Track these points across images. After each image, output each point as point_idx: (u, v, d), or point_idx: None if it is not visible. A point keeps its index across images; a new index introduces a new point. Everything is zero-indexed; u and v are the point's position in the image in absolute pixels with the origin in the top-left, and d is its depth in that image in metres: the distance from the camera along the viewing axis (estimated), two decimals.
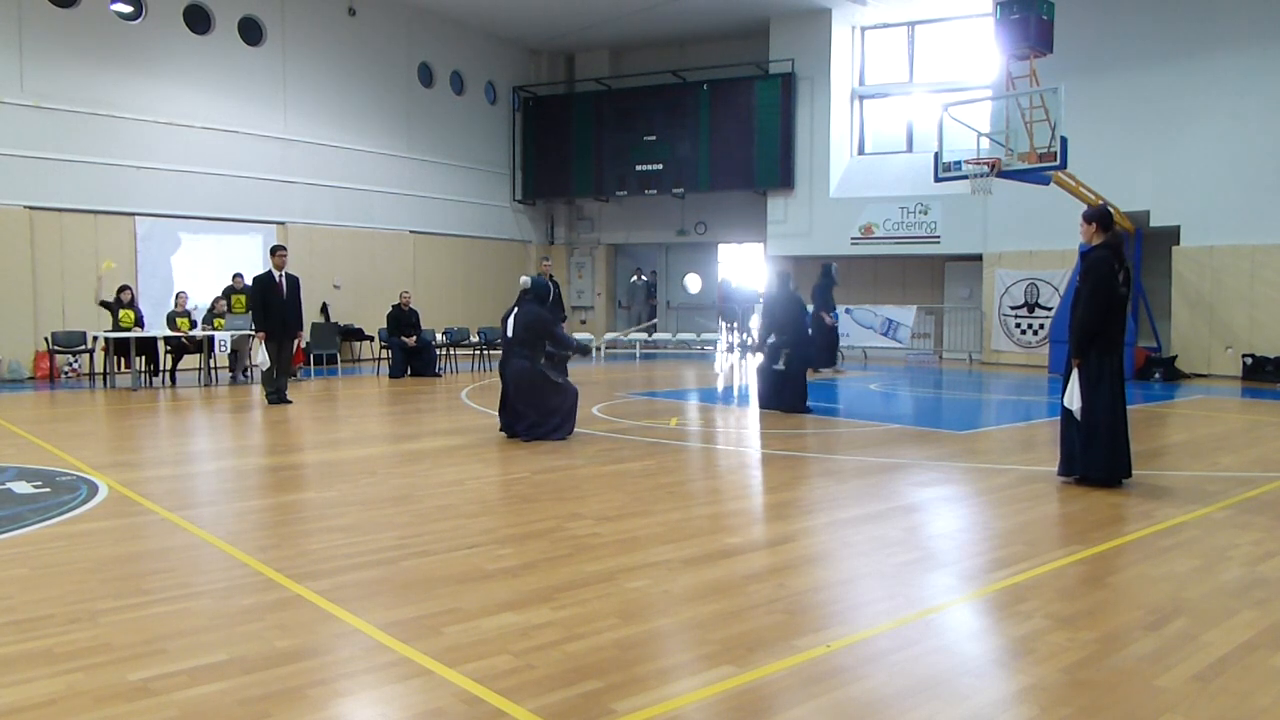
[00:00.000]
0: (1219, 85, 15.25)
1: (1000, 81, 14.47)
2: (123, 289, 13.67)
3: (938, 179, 14.40)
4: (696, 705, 2.94)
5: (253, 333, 12.06)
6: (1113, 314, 6.24)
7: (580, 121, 21.96)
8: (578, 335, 18.42)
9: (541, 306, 8.68)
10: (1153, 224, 15.74)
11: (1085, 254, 6.42)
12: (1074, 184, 13.86)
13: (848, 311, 18.84)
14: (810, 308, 13.73)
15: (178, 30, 15.77)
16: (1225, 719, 2.88)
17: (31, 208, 14.08)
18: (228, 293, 14.71)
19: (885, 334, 18.96)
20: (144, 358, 13.63)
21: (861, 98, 20.72)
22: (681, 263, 23.48)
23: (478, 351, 17.18)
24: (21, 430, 8.88)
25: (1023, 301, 17.50)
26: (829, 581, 4.34)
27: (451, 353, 16.65)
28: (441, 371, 15.84)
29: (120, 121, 14.99)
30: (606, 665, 3.24)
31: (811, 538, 5.12)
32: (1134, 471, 6.47)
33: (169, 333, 13.66)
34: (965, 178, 13.84)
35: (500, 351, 8.92)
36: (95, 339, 13.85)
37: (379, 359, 17.24)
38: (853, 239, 19.66)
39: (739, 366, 17.79)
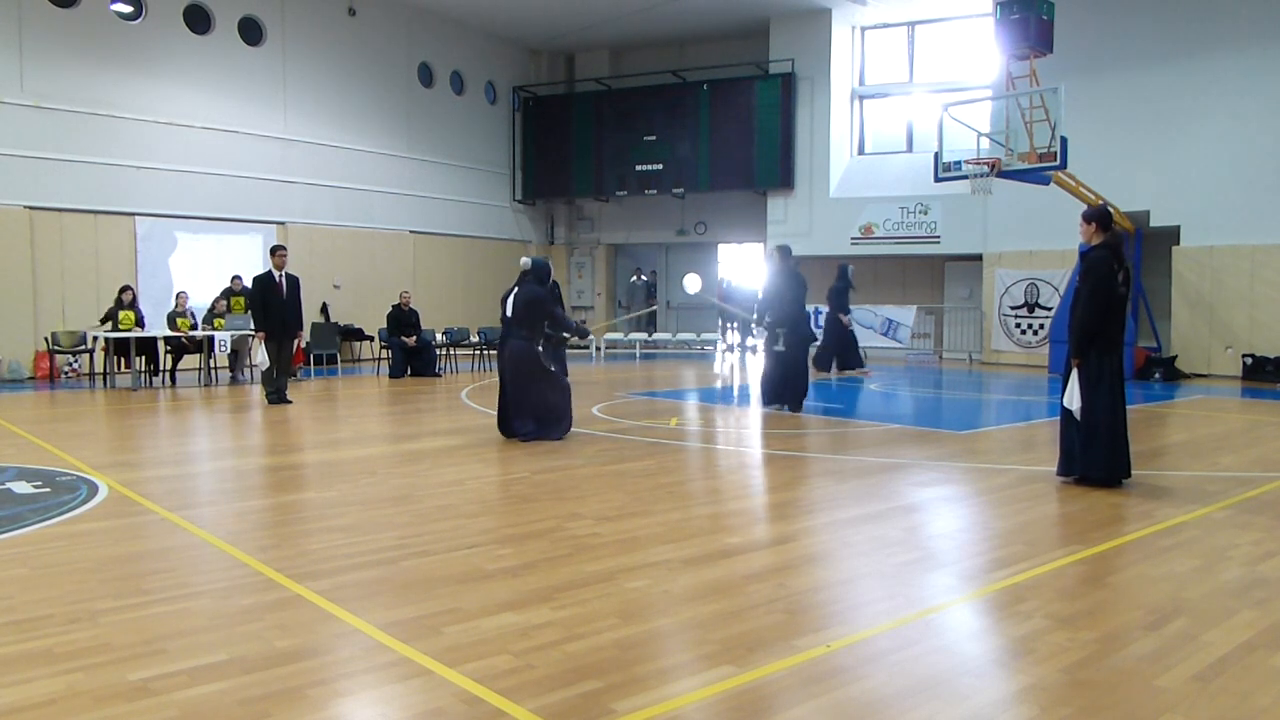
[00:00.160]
0: (1219, 85, 15.25)
1: (1000, 81, 14.47)
2: (123, 289, 13.67)
3: (938, 179, 14.40)
4: (696, 705, 2.94)
5: (253, 333, 12.06)
6: (1112, 314, 6.24)
7: (580, 121, 21.95)
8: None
9: (542, 287, 8.59)
10: (1153, 224, 15.73)
11: (1085, 254, 6.42)
12: (1074, 184, 13.86)
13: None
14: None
15: (178, 30, 15.77)
16: (1225, 719, 2.88)
17: (31, 208, 14.09)
18: (226, 295, 14.71)
19: (885, 334, 18.95)
20: (144, 358, 13.63)
21: (861, 98, 20.73)
22: (681, 263, 23.48)
23: (478, 351, 17.18)
24: (21, 430, 8.88)
25: (1023, 301, 17.50)
26: (829, 581, 4.34)
27: (451, 353, 16.65)
28: (441, 371, 15.84)
29: (120, 121, 14.99)
30: (606, 665, 3.24)
31: (811, 538, 5.12)
32: (1134, 471, 6.47)
33: (169, 333, 13.66)
34: (965, 178, 13.84)
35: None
36: (95, 339, 13.85)
37: (379, 359, 17.24)
38: (853, 239, 19.66)
39: (739, 366, 17.79)
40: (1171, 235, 15.80)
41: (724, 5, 19.44)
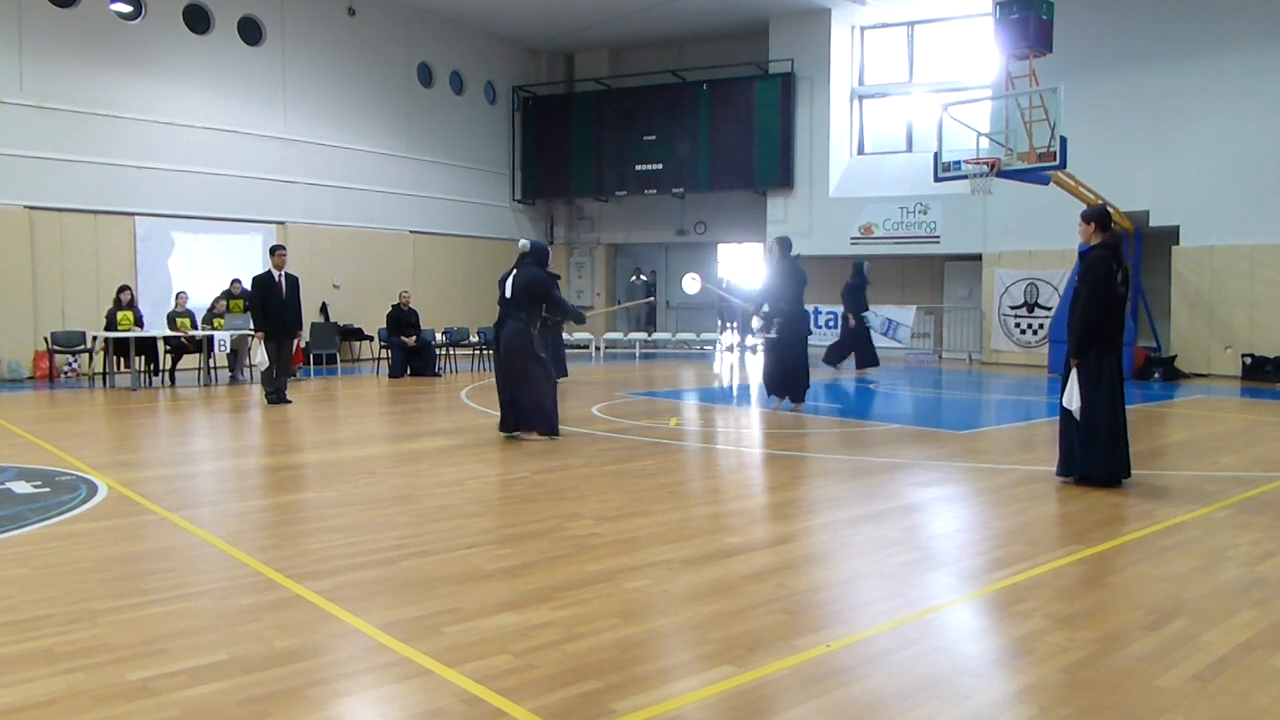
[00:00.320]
0: (1219, 85, 15.25)
1: (1000, 81, 14.47)
2: (122, 289, 13.67)
3: (937, 179, 14.40)
4: (696, 705, 2.94)
5: (252, 332, 12.07)
6: (1111, 314, 6.24)
7: (580, 121, 21.95)
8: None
9: (541, 270, 8.48)
10: (1152, 224, 15.73)
11: (1084, 254, 6.42)
12: (1073, 184, 13.86)
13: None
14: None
15: (177, 30, 15.77)
16: (1225, 719, 2.88)
17: (31, 208, 14.08)
18: (225, 297, 14.72)
19: (885, 334, 18.93)
20: (143, 357, 13.63)
21: (861, 97, 20.72)
22: (681, 262, 23.47)
23: (477, 351, 17.18)
24: (21, 430, 8.87)
25: (1022, 301, 17.51)
26: (829, 581, 4.34)
27: (451, 353, 16.65)
28: (441, 371, 15.84)
29: (120, 121, 14.99)
30: (606, 665, 3.24)
31: (811, 538, 5.12)
32: (1133, 471, 6.47)
33: (169, 333, 13.66)
34: (965, 177, 13.83)
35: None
36: (95, 339, 13.85)
37: (378, 359, 17.24)
38: (852, 239, 19.66)
39: (738, 366, 17.79)
40: (1171, 235, 15.80)
41: (724, 5, 19.44)
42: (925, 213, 19.00)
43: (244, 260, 15.95)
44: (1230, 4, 15.12)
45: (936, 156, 14.15)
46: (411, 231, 19.64)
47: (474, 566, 4.43)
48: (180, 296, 14.23)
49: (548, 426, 8.32)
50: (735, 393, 13.41)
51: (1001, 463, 7.42)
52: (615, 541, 4.90)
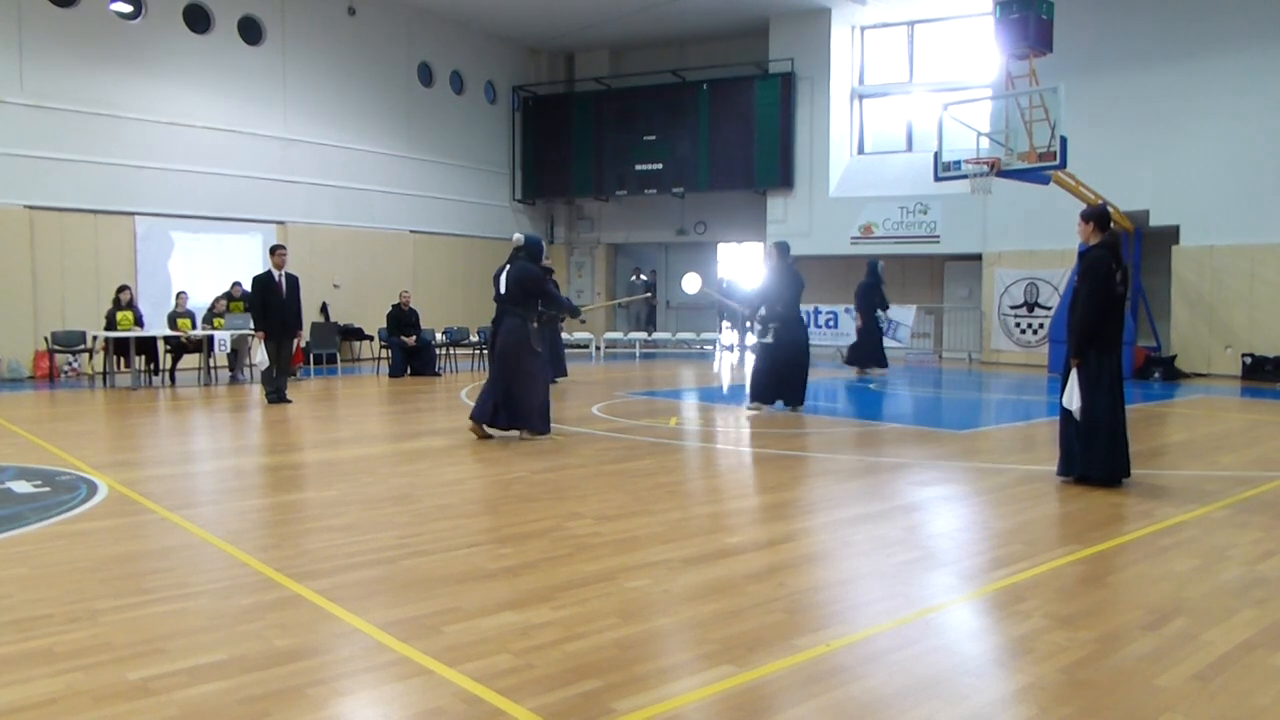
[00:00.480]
0: (1219, 85, 15.25)
1: (1000, 81, 14.47)
2: (122, 289, 13.67)
3: (937, 179, 14.40)
4: (696, 705, 2.94)
5: (252, 332, 12.07)
6: (1111, 314, 6.24)
7: (580, 121, 21.95)
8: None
9: (534, 264, 8.42)
10: (1152, 224, 15.74)
11: (1083, 254, 6.43)
12: (1074, 184, 13.86)
13: (847, 311, 18.80)
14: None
15: (177, 30, 15.77)
16: (1225, 718, 2.88)
17: (31, 208, 14.08)
18: (225, 298, 14.72)
19: (885, 333, 18.92)
20: (143, 357, 13.63)
21: (861, 97, 20.72)
22: (681, 262, 23.47)
23: (477, 351, 17.18)
24: (21, 430, 8.87)
25: (1022, 301, 17.51)
26: (829, 581, 4.34)
27: (451, 352, 16.65)
28: (441, 371, 15.85)
29: (120, 121, 14.99)
30: (606, 665, 3.24)
31: (811, 537, 5.12)
32: (1133, 471, 6.47)
33: (169, 332, 13.66)
34: (965, 177, 13.84)
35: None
36: (95, 339, 13.85)
37: (379, 359, 17.24)
38: (852, 239, 19.66)
39: (738, 366, 17.78)
40: (1171, 235, 15.80)
41: (724, 5, 19.44)
42: (925, 212, 19.00)
43: (244, 260, 15.95)
44: (1230, 4, 15.12)
45: (936, 156, 14.16)
46: (412, 231, 19.64)
47: (474, 566, 4.43)
48: (180, 297, 14.23)
49: (541, 425, 8.33)
50: (735, 393, 13.39)
51: (1001, 462, 7.42)
52: (615, 541, 4.90)
